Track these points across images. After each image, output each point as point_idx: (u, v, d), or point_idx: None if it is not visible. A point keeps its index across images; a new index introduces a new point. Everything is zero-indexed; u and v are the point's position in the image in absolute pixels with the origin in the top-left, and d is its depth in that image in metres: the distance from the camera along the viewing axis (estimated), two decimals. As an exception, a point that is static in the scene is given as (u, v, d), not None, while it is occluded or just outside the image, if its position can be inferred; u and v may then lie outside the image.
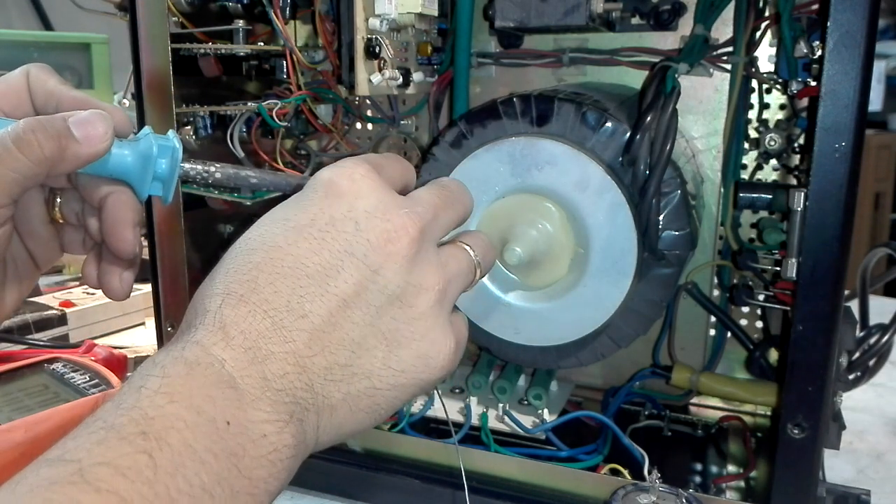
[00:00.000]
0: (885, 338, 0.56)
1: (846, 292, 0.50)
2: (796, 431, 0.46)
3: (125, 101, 0.76)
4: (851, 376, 0.56)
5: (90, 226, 0.40)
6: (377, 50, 0.56)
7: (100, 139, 0.35)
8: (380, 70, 0.57)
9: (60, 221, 0.41)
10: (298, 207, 0.33)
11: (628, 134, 0.51)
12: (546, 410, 0.59)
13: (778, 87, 0.59)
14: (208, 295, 0.31)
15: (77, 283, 0.98)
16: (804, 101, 0.57)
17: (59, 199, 0.41)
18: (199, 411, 0.27)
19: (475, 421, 0.59)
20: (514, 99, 0.53)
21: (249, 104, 0.62)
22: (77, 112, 0.35)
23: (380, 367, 0.32)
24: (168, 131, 0.39)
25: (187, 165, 0.39)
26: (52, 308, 0.87)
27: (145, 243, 0.61)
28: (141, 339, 0.89)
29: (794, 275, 0.46)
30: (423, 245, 0.33)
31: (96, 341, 0.73)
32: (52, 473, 0.24)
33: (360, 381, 0.32)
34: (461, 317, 0.37)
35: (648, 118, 0.50)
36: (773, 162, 0.62)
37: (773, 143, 0.60)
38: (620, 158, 0.51)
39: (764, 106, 0.61)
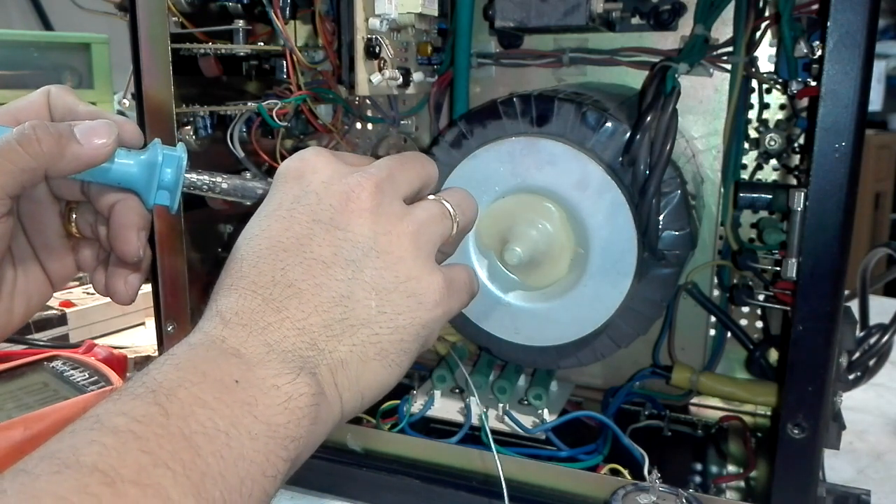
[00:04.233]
0: (885, 338, 0.56)
1: (846, 292, 0.50)
2: (796, 431, 0.46)
3: (125, 101, 0.76)
4: (851, 376, 0.56)
5: (101, 234, 0.41)
6: (377, 50, 0.56)
7: (102, 144, 0.36)
8: (380, 70, 0.57)
9: (76, 235, 0.42)
10: (267, 200, 0.36)
11: (628, 134, 0.51)
12: (546, 410, 0.59)
13: (778, 87, 0.59)
14: (209, 300, 0.34)
15: (77, 283, 0.97)
16: (804, 101, 0.57)
17: (74, 214, 0.42)
18: (205, 374, 0.29)
19: (475, 421, 0.59)
20: (514, 99, 0.53)
21: (249, 104, 0.62)
22: (86, 121, 0.37)
23: (375, 314, 0.34)
24: (177, 143, 0.40)
25: (194, 176, 0.40)
26: (52, 308, 0.87)
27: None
28: (141, 339, 0.89)
29: (794, 275, 0.46)
30: (383, 198, 0.35)
31: (96, 341, 0.73)
32: (74, 426, 0.27)
33: (360, 331, 0.33)
34: (460, 264, 0.39)
35: (648, 118, 0.50)
36: (773, 162, 0.62)
37: (773, 143, 0.60)
38: (620, 158, 0.51)
39: (764, 106, 0.61)
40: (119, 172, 0.38)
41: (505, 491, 0.49)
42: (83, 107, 0.39)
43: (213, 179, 0.40)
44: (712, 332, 0.67)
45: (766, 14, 0.58)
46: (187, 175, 0.40)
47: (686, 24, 0.61)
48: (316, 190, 0.35)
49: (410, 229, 0.35)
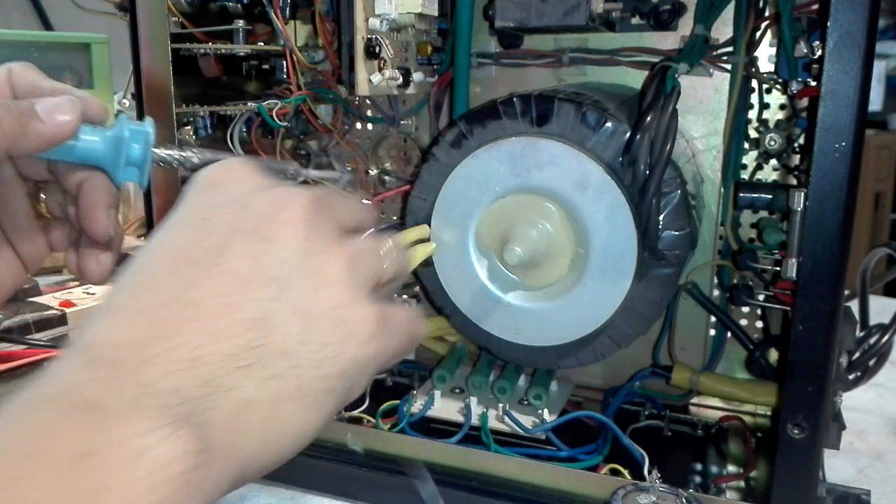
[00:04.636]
0: (885, 338, 0.56)
1: (846, 292, 0.50)
2: (796, 431, 0.46)
3: (125, 101, 0.76)
4: (851, 376, 0.56)
5: (71, 214, 0.40)
6: (377, 50, 0.56)
7: (65, 121, 0.35)
8: (380, 70, 0.57)
9: (46, 215, 0.41)
10: (178, 206, 0.31)
11: (628, 134, 0.51)
12: (546, 410, 0.59)
13: (778, 87, 0.59)
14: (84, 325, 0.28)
15: (77, 283, 0.97)
16: (804, 101, 0.57)
17: (42, 194, 0.41)
18: (41, 451, 0.23)
19: (475, 421, 0.59)
20: (514, 99, 0.53)
21: (249, 104, 0.62)
22: (48, 98, 0.36)
23: (296, 343, 0.28)
24: (145, 118, 0.39)
25: (164, 151, 0.38)
26: (52, 308, 0.87)
27: (138, 237, 0.61)
28: (141, 339, 0.89)
29: (794, 275, 0.46)
30: (318, 214, 0.30)
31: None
32: None
33: (276, 363, 0.27)
34: (400, 303, 0.35)
35: (648, 118, 0.50)
36: (773, 162, 0.62)
37: (773, 143, 0.60)
38: (620, 158, 0.51)
39: (764, 106, 0.61)
40: (84, 150, 0.37)
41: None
42: (48, 83, 0.38)
43: (184, 154, 0.38)
44: (712, 332, 0.67)
45: (766, 14, 0.58)
46: (156, 150, 0.38)
47: (686, 24, 0.61)
48: (240, 199, 0.30)
49: (347, 253, 0.30)
